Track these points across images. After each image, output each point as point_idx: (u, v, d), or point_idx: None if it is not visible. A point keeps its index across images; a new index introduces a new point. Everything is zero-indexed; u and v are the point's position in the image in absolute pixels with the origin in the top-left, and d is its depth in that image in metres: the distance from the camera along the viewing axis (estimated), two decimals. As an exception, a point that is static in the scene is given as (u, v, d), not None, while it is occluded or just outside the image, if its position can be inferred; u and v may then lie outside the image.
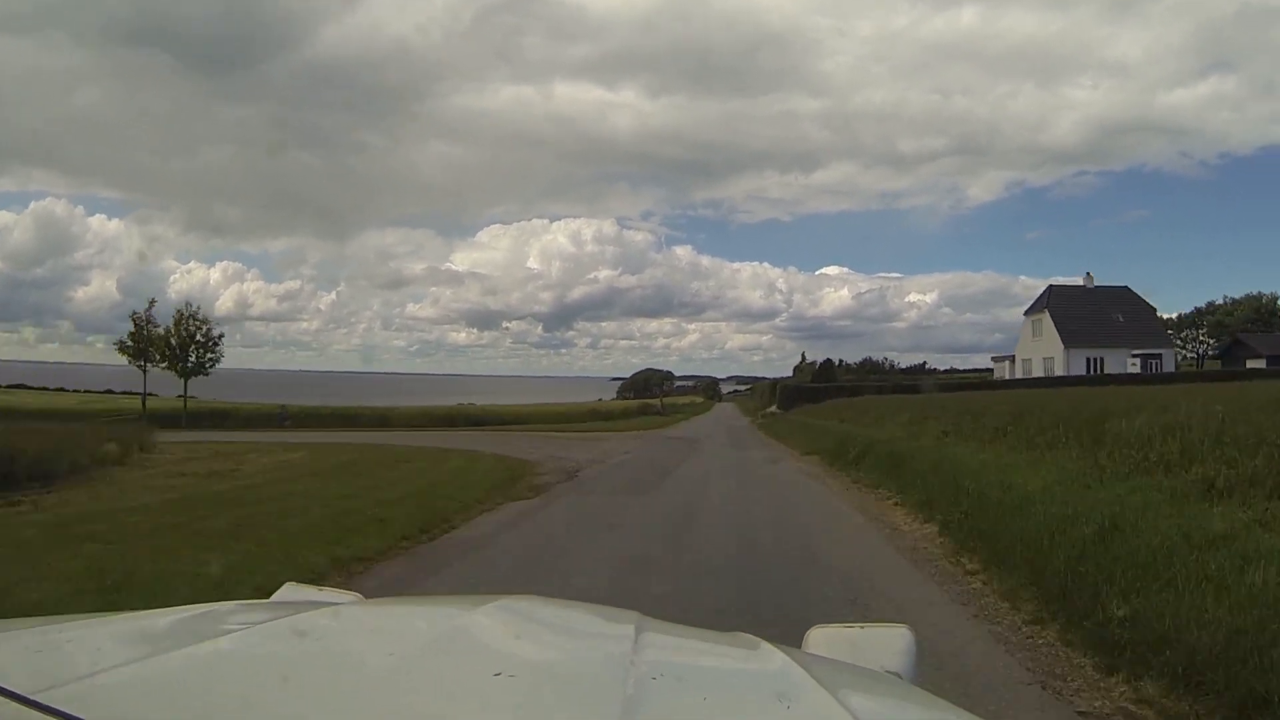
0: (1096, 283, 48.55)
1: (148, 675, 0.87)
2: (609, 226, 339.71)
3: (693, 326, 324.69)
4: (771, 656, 1.14)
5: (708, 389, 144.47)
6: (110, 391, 57.26)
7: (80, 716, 0.63)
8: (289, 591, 1.64)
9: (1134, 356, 42.09)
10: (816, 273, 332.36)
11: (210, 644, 1.02)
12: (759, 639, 1.25)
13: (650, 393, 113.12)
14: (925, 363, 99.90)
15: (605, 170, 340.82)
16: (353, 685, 0.89)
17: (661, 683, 0.95)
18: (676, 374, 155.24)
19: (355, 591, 1.79)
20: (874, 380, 56.14)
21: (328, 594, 1.60)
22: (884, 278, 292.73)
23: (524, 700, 0.87)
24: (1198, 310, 66.64)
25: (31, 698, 0.65)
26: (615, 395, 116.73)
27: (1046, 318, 45.90)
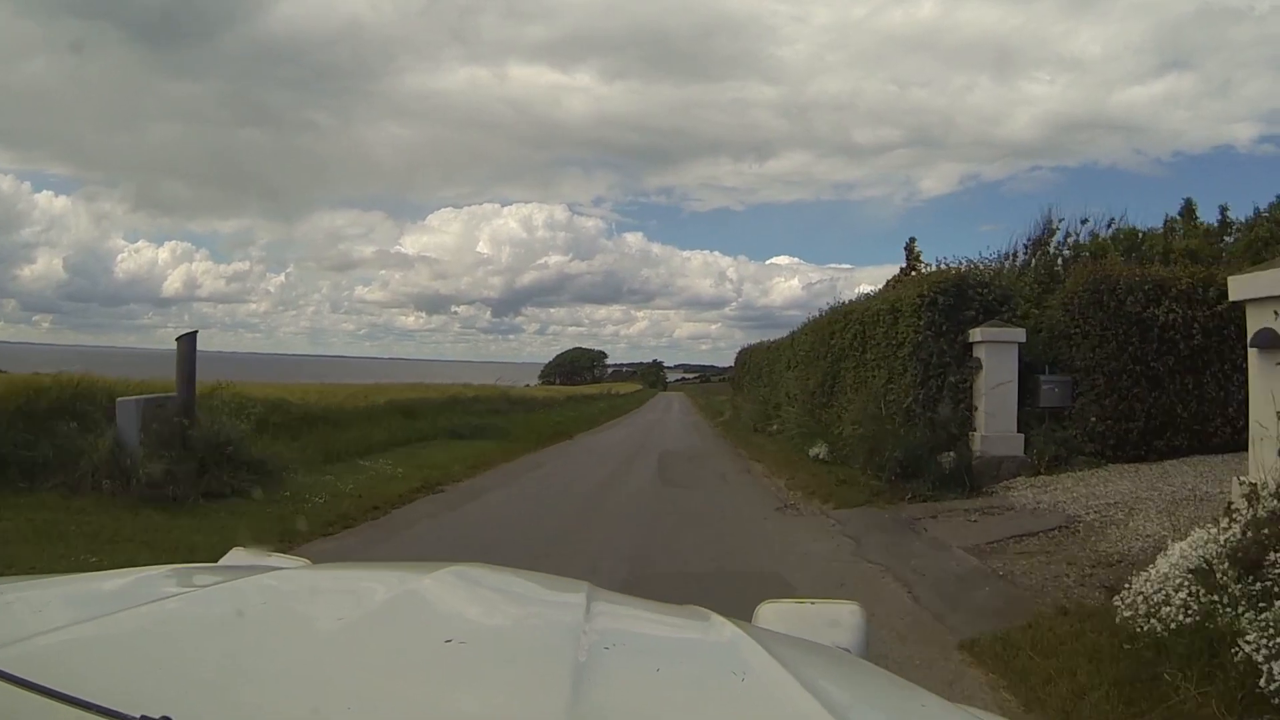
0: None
1: (92, 636, 0.86)
2: (560, 212, 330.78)
3: (641, 314, 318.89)
4: (723, 629, 1.13)
5: (649, 374, 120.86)
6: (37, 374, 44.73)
7: (23, 677, 0.64)
8: (237, 556, 1.63)
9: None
10: (767, 262, 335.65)
11: (156, 605, 0.99)
12: (710, 612, 1.23)
13: (580, 378, 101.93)
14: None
15: (558, 155, 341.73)
16: (301, 648, 0.89)
17: (614, 652, 0.96)
18: (625, 363, 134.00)
19: (305, 558, 1.75)
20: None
21: (276, 559, 1.59)
22: (835, 268, 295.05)
23: (475, 666, 0.87)
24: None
25: None
26: (539, 380, 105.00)
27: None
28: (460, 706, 0.80)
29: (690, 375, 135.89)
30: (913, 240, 18.28)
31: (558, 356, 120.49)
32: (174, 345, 8.87)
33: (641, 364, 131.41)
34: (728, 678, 0.94)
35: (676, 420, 32.24)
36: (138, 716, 0.61)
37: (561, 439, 19.20)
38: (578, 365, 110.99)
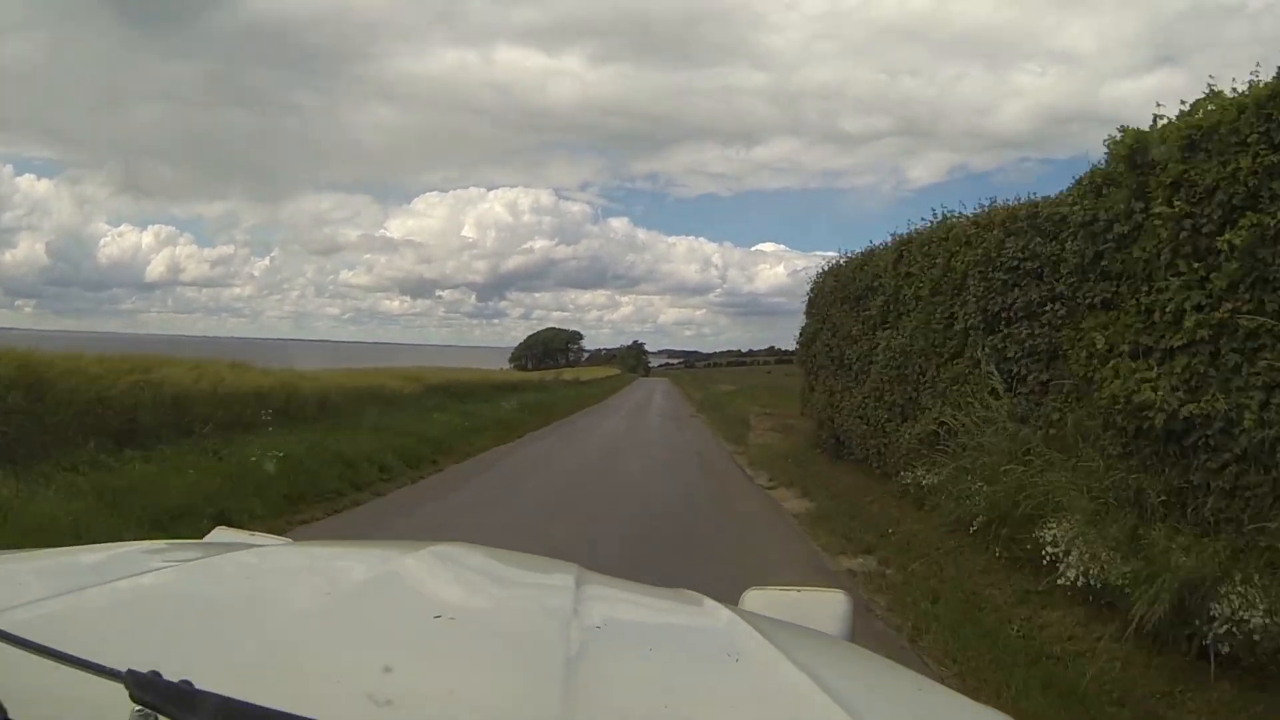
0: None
1: (70, 609, 0.84)
2: (546, 197, 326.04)
3: (626, 299, 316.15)
4: (717, 612, 1.12)
5: (629, 357, 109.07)
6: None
7: (14, 634, 0.63)
8: (220, 535, 1.62)
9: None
10: (752, 249, 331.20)
11: (136, 579, 0.97)
12: (703, 595, 1.21)
13: (553, 360, 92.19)
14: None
15: (545, 139, 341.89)
16: (285, 622, 0.87)
17: (606, 632, 0.95)
18: (606, 347, 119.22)
19: (287, 537, 1.70)
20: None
21: (259, 538, 1.56)
22: (820, 256, 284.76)
23: (467, 642, 0.86)
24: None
25: None
26: (510, 364, 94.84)
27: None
28: (451, 680, 0.78)
29: (675, 360, 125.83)
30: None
31: (529, 338, 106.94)
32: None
33: (621, 348, 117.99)
34: (722, 659, 0.93)
35: (657, 437, 17.46)
36: (124, 670, 0.59)
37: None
38: (550, 347, 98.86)
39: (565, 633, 0.87)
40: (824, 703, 0.77)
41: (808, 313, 12.46)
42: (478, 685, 0.77)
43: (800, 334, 12.80)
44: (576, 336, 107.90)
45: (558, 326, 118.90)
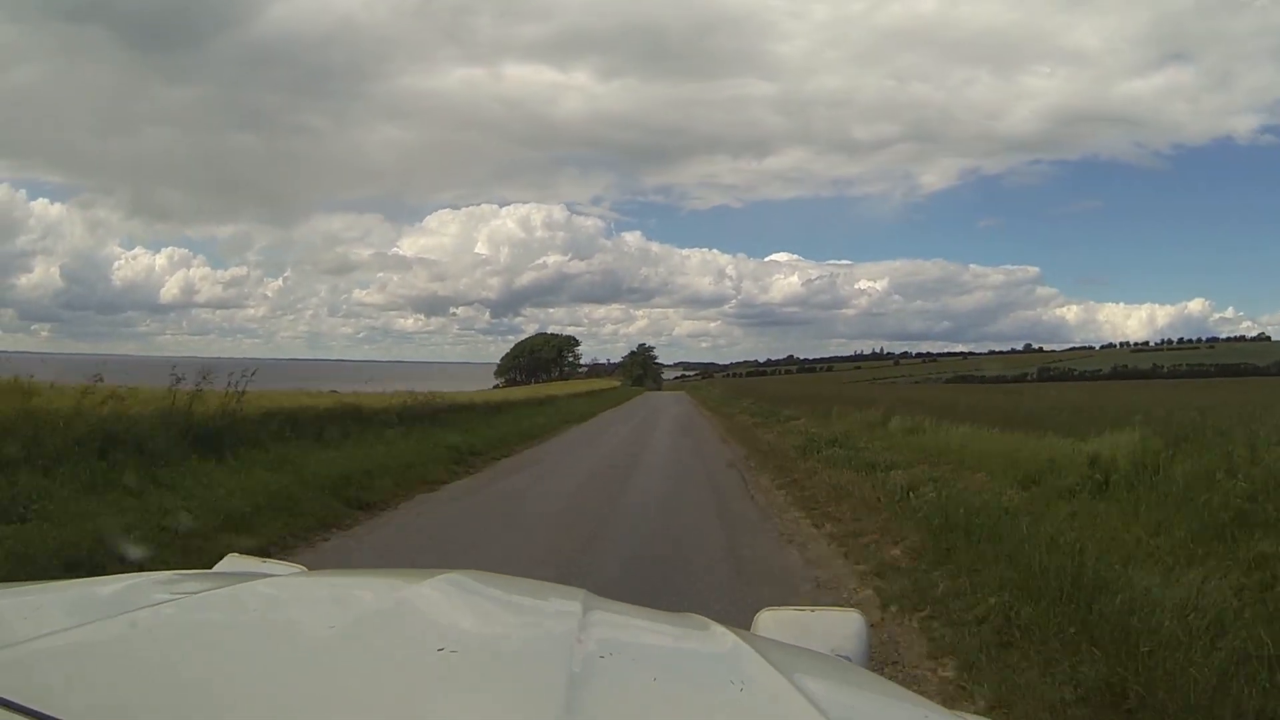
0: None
1: (80, 642, 0.85)
2: (558, 212, 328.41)
3: (640, 313, 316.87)
4: (723, 638, 1.11)
5: (633, 365, 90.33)
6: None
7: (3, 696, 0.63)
8: (232, 563, 1.60)
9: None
10: (766, 259, 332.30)
11: (146, 612, 0.97)
12: (709, 620, 1.21)
13: (544, 374, 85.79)
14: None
15: (555, 155, 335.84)
16: (291, 656, 0.87)
17: (610, 661, 0.93)
18: (610, 359, 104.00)
19: (300, 564, 1.68)
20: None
21: (271, 565, 1.56)
22: (834, 265, 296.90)
23: (467, 676, 0.86)
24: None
25: None
26: (496, 379, 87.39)
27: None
28: (452, 716, 0.78)
29: (691, 372, 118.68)
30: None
31: (516, 346, 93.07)
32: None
33: (626, 358, 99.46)
34: (726, 687, 0.92)
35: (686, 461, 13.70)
36: None
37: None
38: (540, 357, 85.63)
39: (568, 661, 0.87)
40: None
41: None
42: (480, 718, 0.77)
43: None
44: (571, 343, 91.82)
45: (552, 332, 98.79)
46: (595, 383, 66.74)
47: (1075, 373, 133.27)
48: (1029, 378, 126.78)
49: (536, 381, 75.07)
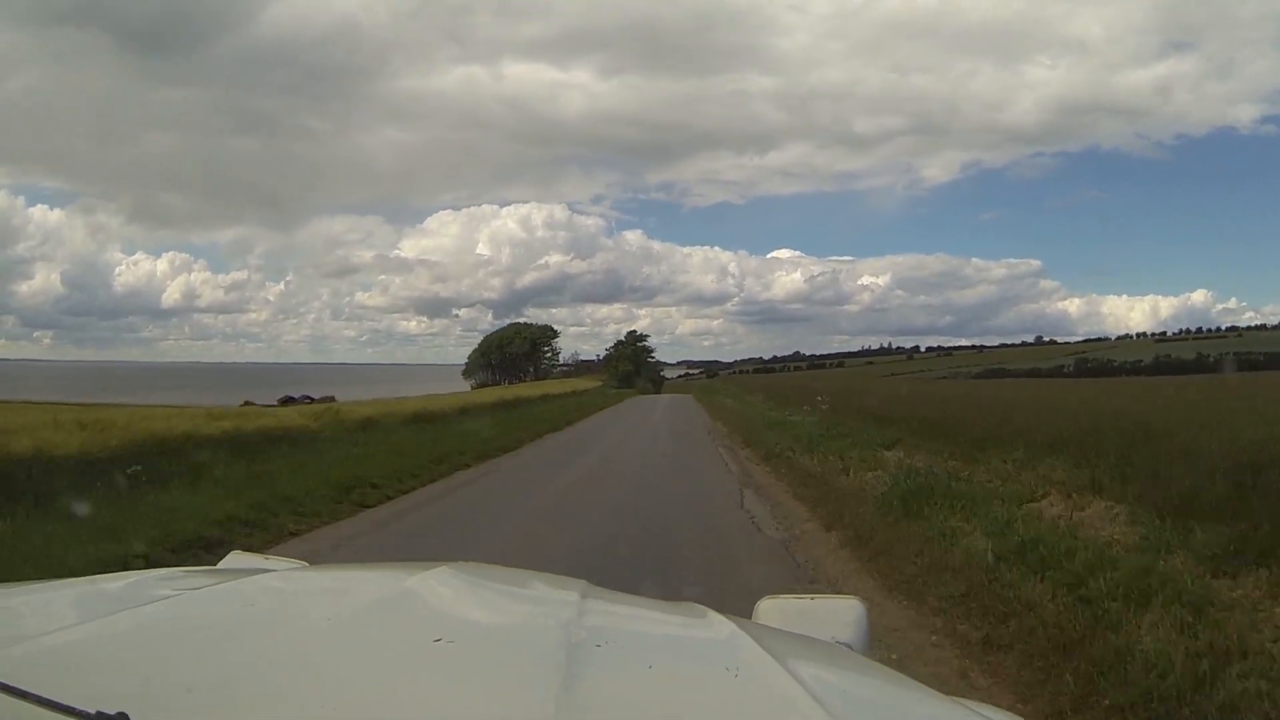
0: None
1: (87, 638, 0.86)
2: (560, 211, 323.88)
3: (643, 312, 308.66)
4: (720, 626, 1.11)
5: (619, 363, 71.30)
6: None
7: (11, 684, 0.64)
8: (235, 559, 1.62)
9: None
10: (768, 256, 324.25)
11: (150, 608, 1.00)
12: (707, 609, 1.21)
13: (519, 372, 74.35)
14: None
15: (557, 153, 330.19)
16: (291, 649, 0.88)
17: (605, 650, 0.94)
18: (597, 354, 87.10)
19: (302, 560, 1.71)
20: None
21: (273, 562, 1.58)
22: (836, 260, 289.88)
23: (464, 666, 0.86)
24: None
25: None
26: (466, 381, 75.52)
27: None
28: (447, 706, 0.79)
29: (694, 370, 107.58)
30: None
31: (483, 341, 77.85)
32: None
33: (611, 350, 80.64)
34: (721, 674, 0.93)
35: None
36: (93, 713, 0.60)
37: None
38: (510, 353, 70.99)
39: (565, 651, 0.88)
40: (820, 717, 0.78)
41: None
42: (473, 708, 0.78)
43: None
44: (549, 334, 77.15)
45: (524, 322, 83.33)
46: (578, 381, 54.51)
47: (1114, 364, 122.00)
48: (1065, 370, 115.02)
49: (510, 383, 63.04)
